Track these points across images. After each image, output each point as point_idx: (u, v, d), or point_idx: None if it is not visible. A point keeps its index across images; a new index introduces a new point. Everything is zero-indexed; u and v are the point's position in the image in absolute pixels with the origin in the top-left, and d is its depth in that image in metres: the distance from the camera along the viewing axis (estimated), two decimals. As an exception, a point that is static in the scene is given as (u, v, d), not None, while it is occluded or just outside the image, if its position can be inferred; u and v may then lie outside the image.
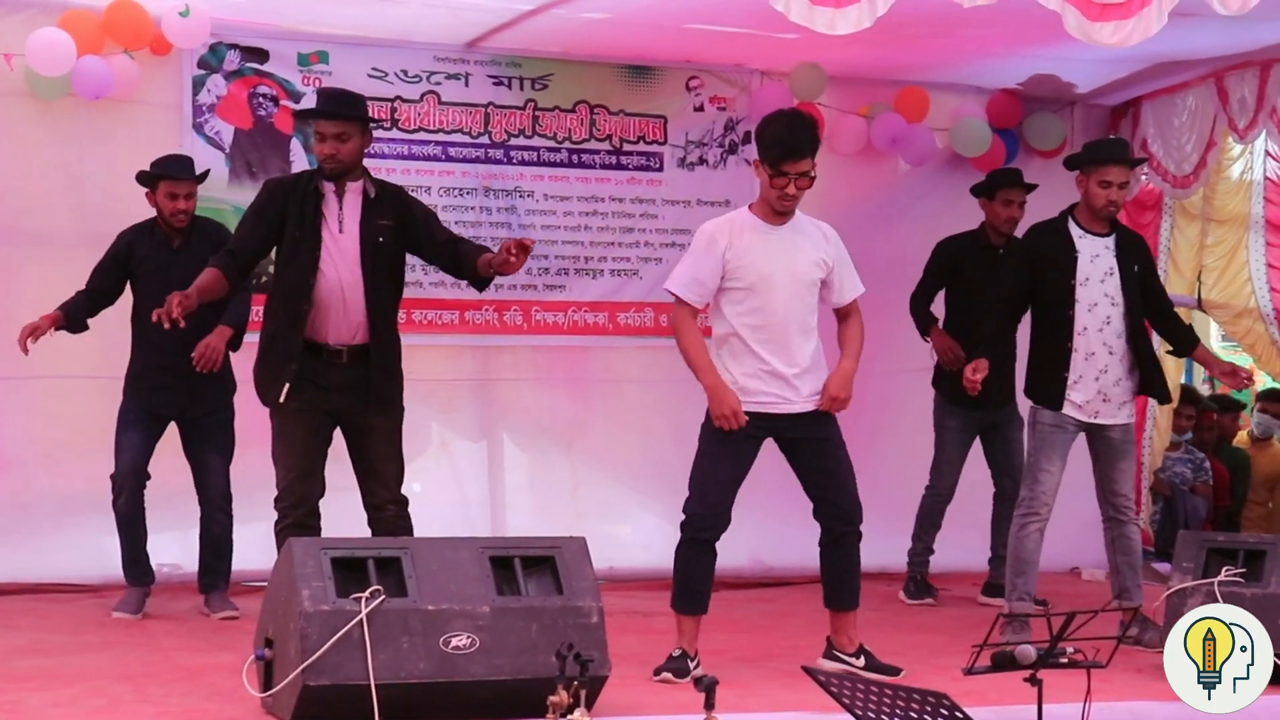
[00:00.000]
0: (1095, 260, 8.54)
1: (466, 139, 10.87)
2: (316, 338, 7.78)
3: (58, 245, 10.01)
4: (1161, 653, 7.80)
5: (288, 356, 7.76)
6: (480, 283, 8.01)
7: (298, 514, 7.78)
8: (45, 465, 10.04)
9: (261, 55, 10.48)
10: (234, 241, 8.04)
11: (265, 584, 6.95)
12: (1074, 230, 8.59)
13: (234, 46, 10.40)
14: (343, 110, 7.88)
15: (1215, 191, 11.93)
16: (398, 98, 10.73)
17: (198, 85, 10.34)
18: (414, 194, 10.55)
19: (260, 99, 10.48)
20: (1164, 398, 9.11)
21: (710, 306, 7.70)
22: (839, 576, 7.71)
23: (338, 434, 7.93)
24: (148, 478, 9.13)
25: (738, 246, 7.53)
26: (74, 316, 9.08)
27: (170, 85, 10.30)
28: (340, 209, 7.80)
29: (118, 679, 7.29)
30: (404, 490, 7.97)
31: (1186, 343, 8.94)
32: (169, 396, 9.11)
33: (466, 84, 10.92)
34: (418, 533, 7.83)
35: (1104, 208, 8.54)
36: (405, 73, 10.78)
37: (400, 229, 7.90)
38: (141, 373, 9.17)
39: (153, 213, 9.19)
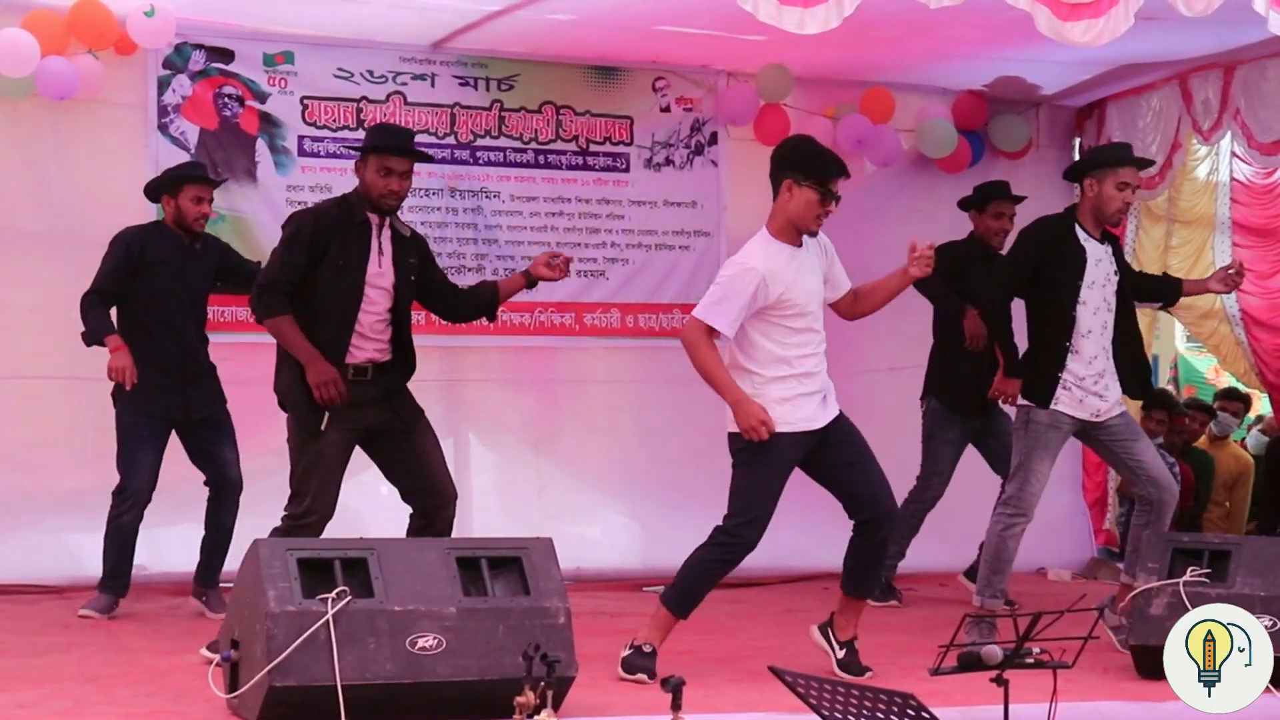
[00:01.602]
0: (1098, 265, 8.50)
1: (433, 139, 10.85)
2: (342, 359, 7.84)
3: (22, 245, 9.98)
4: (1127, 652, 7.90)
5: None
6: (491, 310, 8.34)
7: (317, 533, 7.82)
8: (9, 466, 9.98)
9: (227, 55, 10.46)
10: (287, 282, 7.87)
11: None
12: (1079, 233, 8.55)
13: (199, 46, 10.37)
14: (415, 148, 8.03)
15: (1180, 193, 11.98)
16: (364, 98, 10.72)
17: (163, 85, 10.31)
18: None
19: (225, 99, 10.46)
20: (1134, 393, 9.09)
21: (739, 341, 7.56)
22: (863, 564, 7.72)
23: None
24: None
25: (782, 278, 7.45)
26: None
27: (135, 85, 10.27)
28: (379, 242, 7.89)
29: (82, 680, 7.26)
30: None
31: (1173, 289, 9.22)
32: (174, 400, 9.05)
33: (433, 84, 10.92)
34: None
35: (1119, 211, 8.55)
36: (371, 73, 10.78)
37: (421, 270, 8.06)
38: (143, 379, 8.94)
39: (140, 218, 9.14)
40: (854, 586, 7.75)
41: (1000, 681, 5.51)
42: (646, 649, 7.48)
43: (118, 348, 8.74)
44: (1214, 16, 7.64)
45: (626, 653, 7.48)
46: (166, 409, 9.05)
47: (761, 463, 7.46)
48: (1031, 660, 5.61)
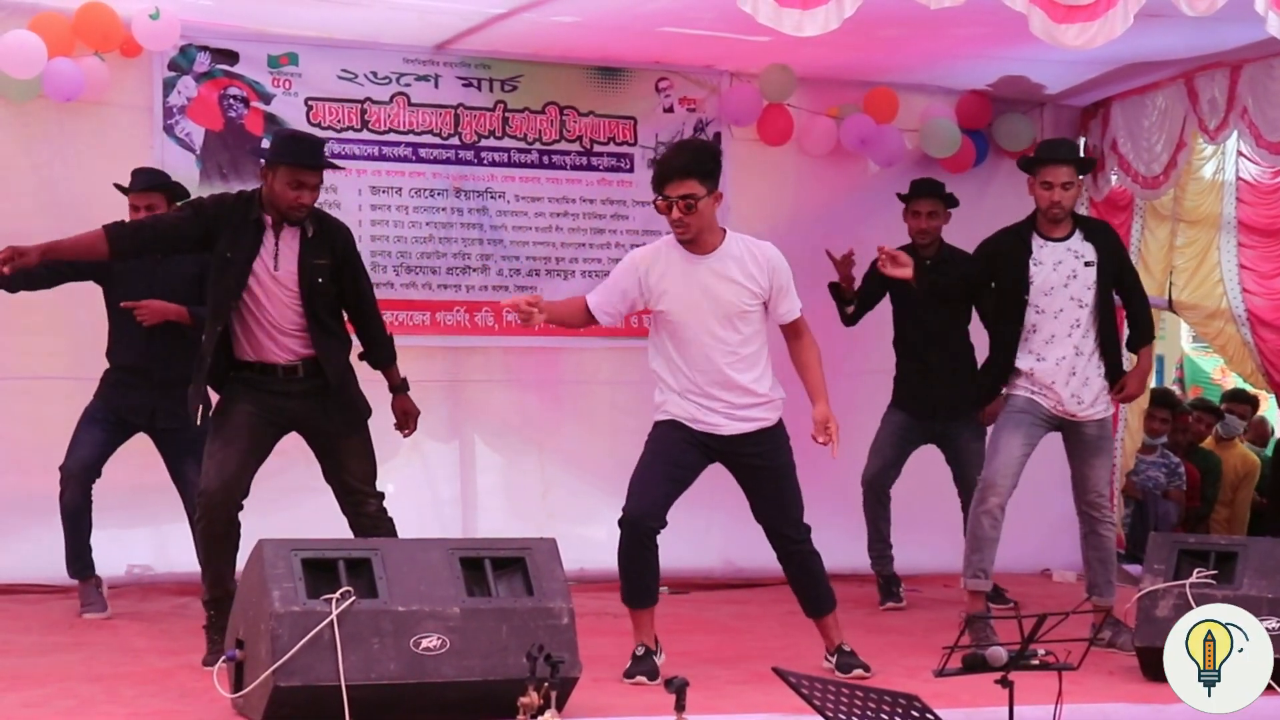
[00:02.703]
0: (1058, 267, 8.48)
1: (437, 140, 10.86)
2: (266, 360, 7.70)
3: (27, 246, 9.98)
4: (1133, 655, 7.89)
5: (211, 375, 7.72)
6: (367, 357, 8.12)
7: (219, 513, 7.67)
8: (14, 466, 9.98)
9: (231, 57, 10.46)
10: (152, 220, 7.98)
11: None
12: (1035, 239, 8.52)
13: (204, 48, 10.37)
14: (325, 161, 7.83)
15: (1186, 192, 11.97)
16: (368, 99, 10.72)
17: (168, 87, 10.31)
18: (384, 195, 10.56)
19: (230, 100, 10.46)
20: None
21: (650, 334, 7.76)
22: (800, 589, 7.82)
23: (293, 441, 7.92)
24: (97, 475, 9.05)
25: (657, 272, 7.53)
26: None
27: (141, 87, 10.28)
28: (276, 246, 7.66)
29: (88, 680, 7.28)
30: (378, 490, 7.96)
31: (1137, 337, 8.93)
32: (137, 400, 9.02)
33: (436, 85, 10.91)
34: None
35: (1048, 209, 8.47)
36: (375, 74, 10.77)
37: (336, 268, 7.77)
38: (114, 376, 9.10)
39: None
40: (807, 609, 7.87)
41: (1005, 683, 5.51)
42: (639, 652, 7.55)
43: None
44: (1219, 15, 7.61)
45: (630, 664, 7.53)
46: (127, 410, 9.05)
47: (648, 443, 7.69)
48: (1036, 662, 5.61)
